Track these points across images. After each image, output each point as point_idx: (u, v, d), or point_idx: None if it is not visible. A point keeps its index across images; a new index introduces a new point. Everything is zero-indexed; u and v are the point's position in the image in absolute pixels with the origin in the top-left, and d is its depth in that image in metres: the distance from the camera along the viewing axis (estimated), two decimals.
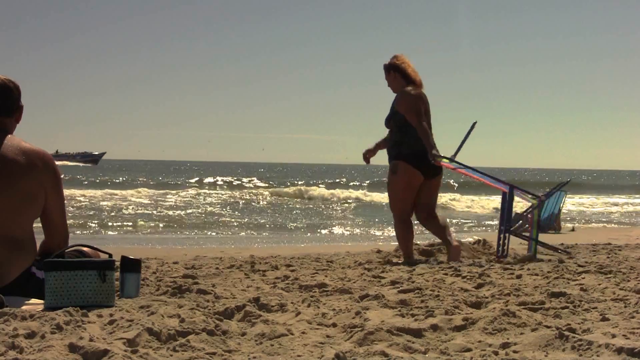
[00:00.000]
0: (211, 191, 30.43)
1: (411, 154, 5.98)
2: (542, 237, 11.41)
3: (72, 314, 2.97)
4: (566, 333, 2.66)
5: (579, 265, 5.61)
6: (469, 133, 6.14)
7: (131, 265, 3.76)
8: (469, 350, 2.59)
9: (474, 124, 6.12)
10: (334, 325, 3.05)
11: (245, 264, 5.86)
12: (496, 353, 2.51)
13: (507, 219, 6.05)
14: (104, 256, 3.68)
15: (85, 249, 3.86)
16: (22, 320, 2.86)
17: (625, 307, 3.46)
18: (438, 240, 7.06)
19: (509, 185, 6.23)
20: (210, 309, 3.27)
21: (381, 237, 12.44)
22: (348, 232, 13.79)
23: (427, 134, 5.88)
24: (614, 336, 2.66)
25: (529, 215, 14.92)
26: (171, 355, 2.48)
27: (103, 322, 2.93)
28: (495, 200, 25.95)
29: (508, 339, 2.73)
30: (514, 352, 2.52)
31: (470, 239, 7.80)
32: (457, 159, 6.21)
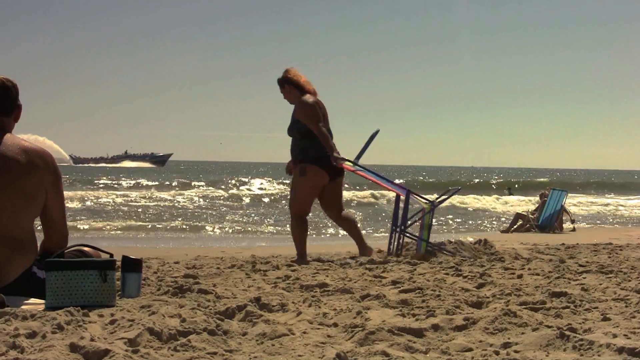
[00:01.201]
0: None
1: (318, 158, 6.34)
2: (544, 237, 11.45)
3: (73, 313, 2.97)
4: (567, 333, 2.66)
5: (580, 265, 5.62)
6: (370, 140, 6.52)
7: (132, 265, 3.76)
8: (470, 350, 2.59)
9: (376, 132, 6.50)
10: (335, 325, 3.05)
11: (246, 263, 5.86)
12: (497, 353, 2.51)
13: (402, 220, 6.39)
14: (104, 256, 3.68)
15: (86, 248, 3.86)
16: (23, 320, 2.86)
17: (626, 307, 3.46)
18: (438, 240, 7.06)
19: (405, 189, 6.57)
20: (211, 309, 3.27)
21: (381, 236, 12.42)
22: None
23: (327, 138, 6.31)
24: (615, 336, 2.66)
25: (530, 215, 14.92)
26: (172, 355, 2.48)
27: (104, 322, 2.93)
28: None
29: (509, 338, 2.73)
30: (515, 352, 2.52)
31: (471, 239, 7.80)
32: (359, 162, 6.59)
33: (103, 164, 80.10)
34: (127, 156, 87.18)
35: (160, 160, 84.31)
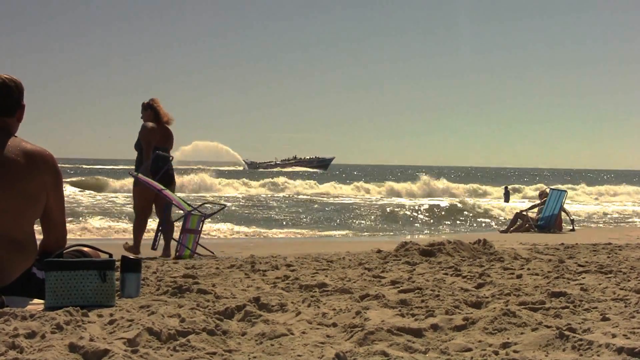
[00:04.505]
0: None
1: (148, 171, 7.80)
2: (543, 237, 11.43)
3: (73, 313, 2.97)
4: (566, 333, 2.66)
5: (579, 265, 5.62)
6: (164, 163, 7.89)
7: (131, 265, 3.76)
8: (469, 350, 2.59)
9: (170, 158, 8.02)
10: (334, 325, 3.05)
11: (245, 263, 5.86)
12: (496, 353, 2.51)
13: (165, 220, 7.84)
14: (104, 256, 3.68)
15: (85, 249, 3.85)
16: (22, 320, 2.86)
17: (625, 306, 3.46)
18: (438, 240, 7.07)
19: (169, 201, 7.76)
20: (210, 309, 3.27)
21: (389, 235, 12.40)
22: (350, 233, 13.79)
23: (148, 157, 7.80)
24: (614, 336, 2.66)
25: (526, 213, 14.88)
26: (171, 355, 2.48)
27: (103, 322, 2.93)
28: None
29: (508, 338, 2.73)
30: (514, 352, 2.52)
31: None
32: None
33: (276, 169, 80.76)
34: (295, 161, 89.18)
35: (323, 164, 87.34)
